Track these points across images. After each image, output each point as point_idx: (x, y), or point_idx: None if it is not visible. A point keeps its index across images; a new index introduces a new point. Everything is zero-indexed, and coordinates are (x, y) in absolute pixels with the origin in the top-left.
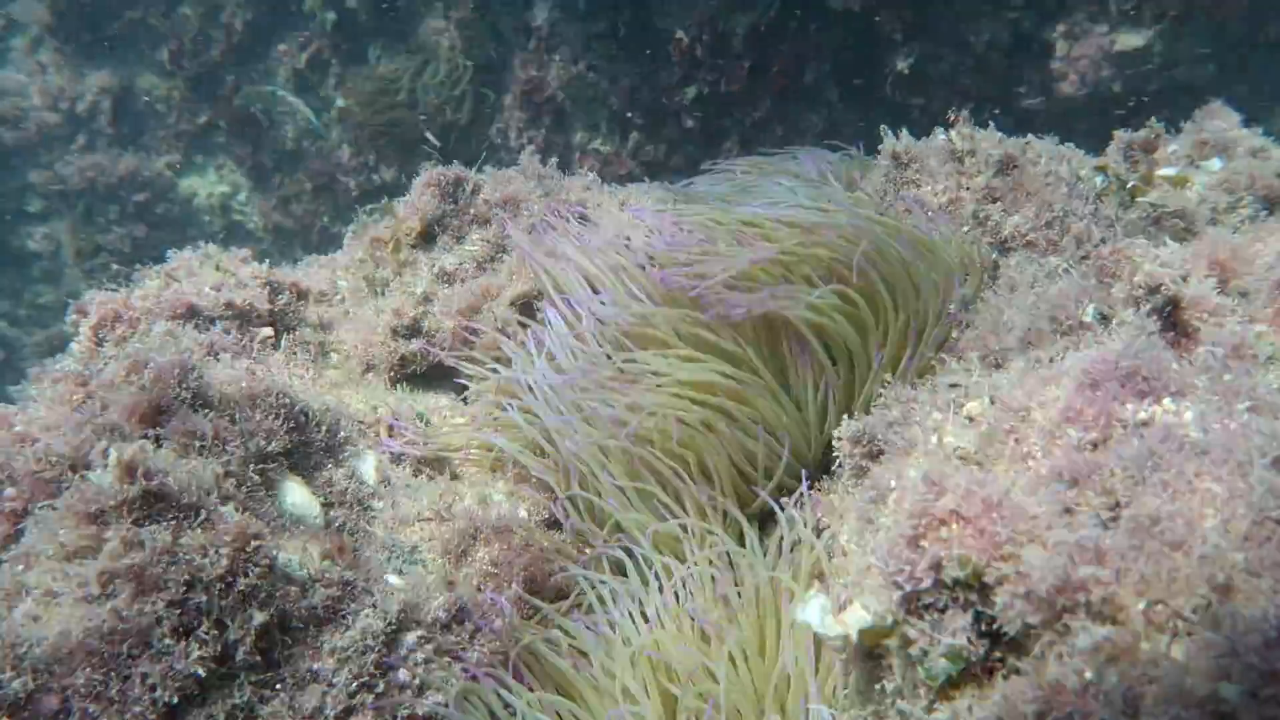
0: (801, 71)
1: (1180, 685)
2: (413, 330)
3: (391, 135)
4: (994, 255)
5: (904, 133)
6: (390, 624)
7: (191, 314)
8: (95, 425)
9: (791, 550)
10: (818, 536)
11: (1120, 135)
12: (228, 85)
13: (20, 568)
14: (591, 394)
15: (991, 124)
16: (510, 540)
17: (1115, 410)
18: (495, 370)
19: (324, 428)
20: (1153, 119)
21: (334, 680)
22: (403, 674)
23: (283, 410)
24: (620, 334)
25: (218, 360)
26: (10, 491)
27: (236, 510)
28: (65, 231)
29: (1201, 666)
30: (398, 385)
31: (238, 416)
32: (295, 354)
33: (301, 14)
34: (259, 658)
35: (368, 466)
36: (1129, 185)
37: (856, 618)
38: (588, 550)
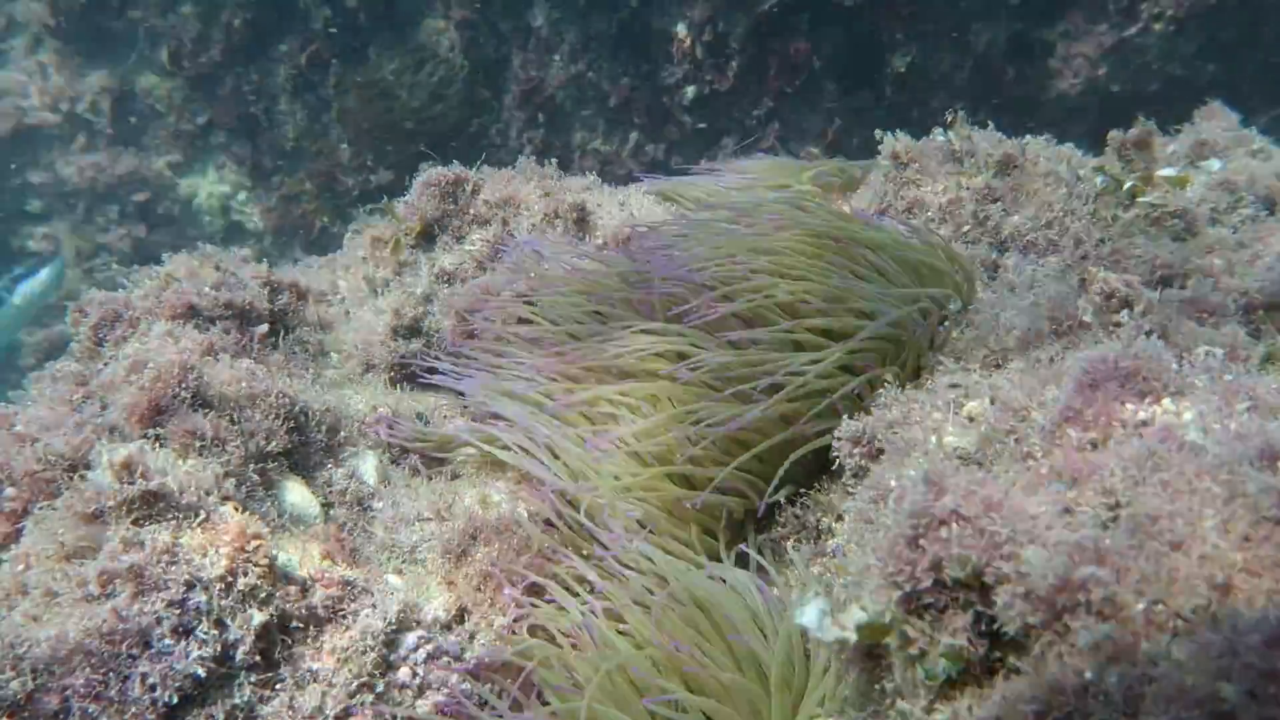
0: (800, 71)
1: (1180, 685)
2: (413, 330)
3: (392, 135)
4: (994, 255)
5: (900, 134)
6: (390, 624)
7: (191, 314)
8: (95, 425)
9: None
10: (817, 538)
11: (1115, 135)
12: (227, 85)
13: (20, 567)
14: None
15: (991, 124)
16: (510, 540)
17: (1115, 410)
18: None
19: (324, 428)
20: (1139, 118)
21: (334, 680)
22: (403, 674)
23: (283, 410)
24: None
25: (217, 360)
26: (10, 491)
27: (236, 510)
28: (65, 231)
29: (1201, 666)
30: (398, 385)
31: (238, 416)
32: (295, 354)
33: (302, 14)
34: (259, 658)
35: (368, 466)
36: (1128, 186)
37: (855, 619)
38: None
